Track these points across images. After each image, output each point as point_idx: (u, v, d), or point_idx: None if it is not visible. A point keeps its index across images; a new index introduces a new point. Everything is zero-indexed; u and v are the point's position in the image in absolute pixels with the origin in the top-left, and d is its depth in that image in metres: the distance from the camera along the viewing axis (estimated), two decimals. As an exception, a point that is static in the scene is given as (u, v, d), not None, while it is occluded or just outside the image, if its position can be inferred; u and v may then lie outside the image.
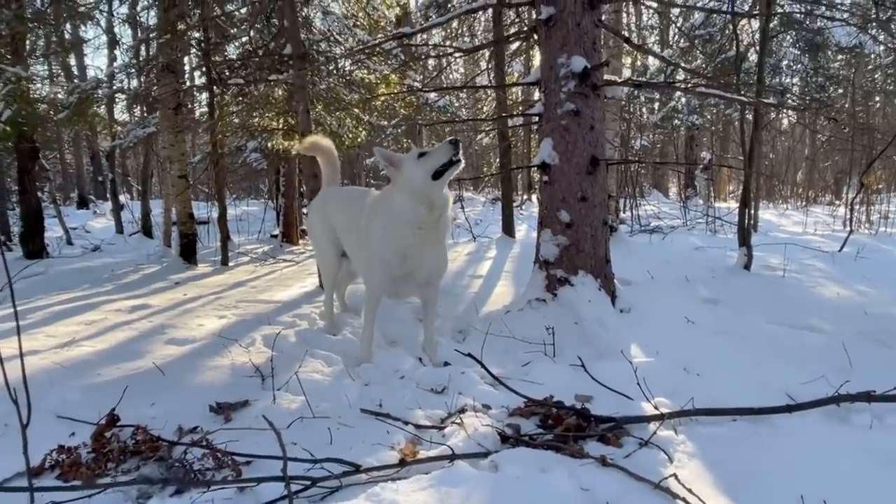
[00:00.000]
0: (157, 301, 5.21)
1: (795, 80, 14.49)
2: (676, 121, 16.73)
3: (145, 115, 10.61)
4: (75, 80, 11.57)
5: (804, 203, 16.87)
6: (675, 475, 1.97)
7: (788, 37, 11.28)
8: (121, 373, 3.24)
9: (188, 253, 7.61)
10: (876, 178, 12.90)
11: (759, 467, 2.12)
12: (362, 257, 3.66)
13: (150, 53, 9.03)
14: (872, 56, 15.25)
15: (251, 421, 2.60)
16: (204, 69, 7.53)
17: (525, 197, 16.90)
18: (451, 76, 21.73)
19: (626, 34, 11.21)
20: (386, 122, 12.24)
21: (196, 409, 2.74)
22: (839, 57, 14.60)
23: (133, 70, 9.07)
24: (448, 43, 9.23)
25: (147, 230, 11.00)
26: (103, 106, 10.24)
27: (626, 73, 10.65)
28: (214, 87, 7.50)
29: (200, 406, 2.77)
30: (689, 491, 1.88)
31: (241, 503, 1.90)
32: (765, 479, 2.02)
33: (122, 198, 13.91)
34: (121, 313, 4.71)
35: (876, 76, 18.36)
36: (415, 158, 3.22)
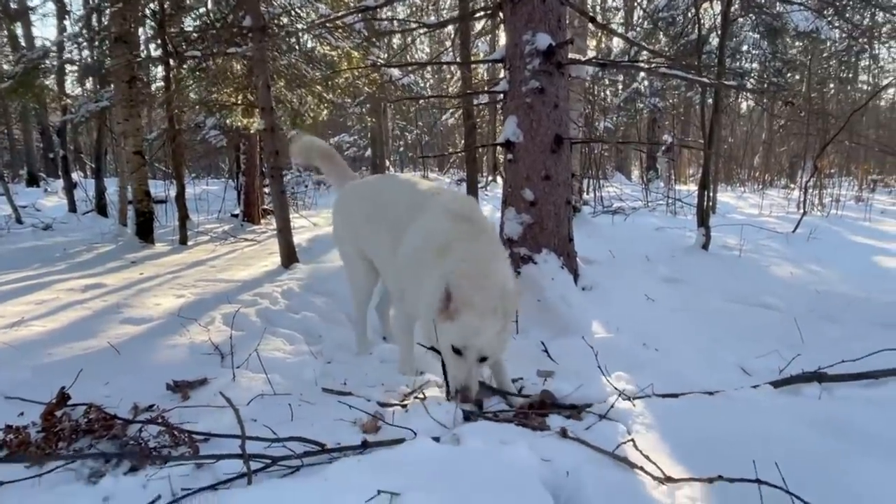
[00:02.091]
0: (112, 280, 5.06)
1: (755, 64, 14.78)
2: (639, 103, 16.92)
3: (98, 88, 10.19)
4: (22, 51, 11.02)
5: (761, 186, 17.31)
6: (632, 440, 2.01)
7: (748, 21, 11.46)
8: (73, 352, 3.14)
9: (145, 232, 7.40)
10: (828, 162, 13.30)
11: (713, 436, 2.18)
12: (409, 289, 2.81)
13: (103, 23, 8.64)
14: (828, 43, 15.65)
15: (210, 399, 2.54)
16: (159, 41, 7.27)
17: (490, 178, 16.91)
18: (415, 55, 21.53)
19: (592, 15, 11.22)
20: (350, 101, 12.06)
21: (152, 388, 2.67)
22: (797, 43, 14.94)
23: (83, 40, 8.68)
24: (413, 19, 9.10)
25: (101, 209, 10.63)
26: (52, 77, 9.78)
27: (591, 55, 10.68)
28: (170, 61, 7.25)
29: (157, 385, 2.70)
30: (647, 458, 1.92)
31: (199, 479, 1.86)
32: (719, 447, 2.07)
33: (75, 175, 13.40)
34: (73, 292, 4.56)
35: (831, 63, 18.87)
36: (447, 344, 2.39)
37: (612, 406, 2.36)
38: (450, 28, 10.65)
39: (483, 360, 2.38)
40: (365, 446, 2.05)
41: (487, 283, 2.37)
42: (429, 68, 21.88)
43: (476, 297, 2.31)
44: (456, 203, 2.78)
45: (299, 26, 7.92)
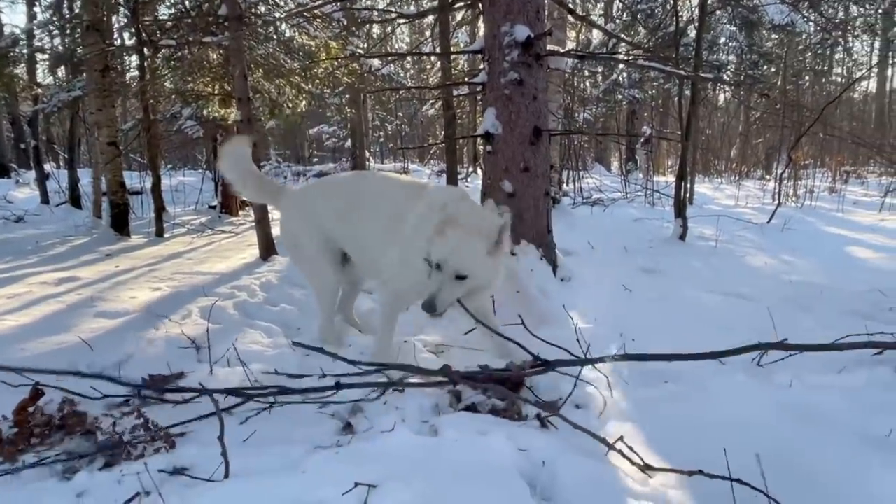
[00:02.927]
0: (87, 273, 4.98)
1: (731, 57, 14.94)
2: (619, 95, 17.00)
3: (70, 77, 9.97)
4: (-9, 39, 10.73)
5: (737, 177, 17.52)
6: (622, 438, 2.03)
7: (725, 13, 11.57)
8: (46, 347, 3.10)
9: (120, 224, 7.29)
10: (803, 153, 13.52)
11: (688, 425, 2.22)
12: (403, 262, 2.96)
13: (74, 11, 8.45)
14: (804, 36, 15.87)
15: (188, 393, 2.52)
16: (133, 29, 7.13)
17: (470, 169, 16.88)
18: (395, 45, 21.40)
19: (571, 6, 11.22)
20: (328, 91, 11.95)
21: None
22: (773, 36, 15.11)
23: (55, 28, 8.48)
24: (392, 9, 9.03)
25: (75, 200, 10.42)
26: (22, 66, 9.56)
27: (571, 46, 10.70)
28: (145, 49, 7.12)
29: (132, 379, 2.66)
30: (620, 452, 1.94)
31: (174, 477, 1.85)
32: (693, 435, 2.11)
33: (47, 166, 13.10)
34: (47, 286, 4.48)
35: (806, 56, 19.14)
36: (435, 262, 2.61)
37: (574, 380, 2.39)
38: (430, 18, 10.59)
39: (462, 278, 2.57)
40: (338, 387, 2.06)
41: (471, 212, 2.74)
42: (409, 58, 21.77)
43: (460, 218, 2.61)
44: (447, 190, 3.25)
45: (277, 15, 7.82)
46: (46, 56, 9.76)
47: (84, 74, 8.04)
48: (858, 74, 21.77)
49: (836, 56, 22.80)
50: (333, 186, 3.42)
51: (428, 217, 2.78)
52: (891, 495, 1.84)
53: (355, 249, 3.26)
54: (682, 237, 6.45)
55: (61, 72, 11.15)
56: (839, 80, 23.61)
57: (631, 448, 1.95)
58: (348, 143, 17.89)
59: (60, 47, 9.24)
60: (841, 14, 13.21)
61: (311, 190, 3.51)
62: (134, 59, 8.10)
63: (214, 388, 2.21)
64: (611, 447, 1.92)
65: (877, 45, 23.15)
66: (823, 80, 23.04)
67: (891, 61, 22.74)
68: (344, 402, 2.39)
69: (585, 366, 2.54)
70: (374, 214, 3.10)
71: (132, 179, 10.52)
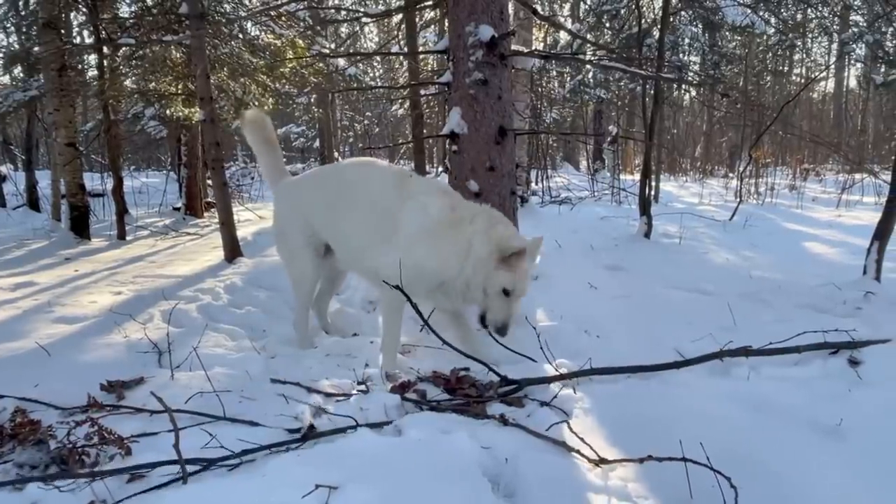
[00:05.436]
0: (45, 278, 4.85)
1: (695, 58, 15.22)
2: (585, 95, 17.18)
3: (27, 76, 9.69)
4: (-58, 36, 10.37)
5: (701, 175, 17.87)
6: (567, 423, 2.07)
7: (688, 15, 11.79)
8: (1, 353, 3.00)
9: (80, 227, 7.10)
10: (764, 152, 13.84)
11: (648, 418, 2.26)
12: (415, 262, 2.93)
13: (30, 7, 8.21)
14: (764, 38, 16.25)
15: (147, 399, 2.47)
16: (92, 27, 6.96)
17: (440, 169, 16.88)
18: (364, 45, 21.29)
19: (535, 7, 11.30)
20: (295, 90, 11.83)
21: (85, 389, 2.57)
22: (736, 38, 15.44)
23: (10, 25, 8.24)
24: (360, 8, 8.98)
25: (33, 203, 10.14)
26: (-25, 65, 9.26)
27: (538, 46, 10.78)
28: (104, 48, 6.96)
29: (91, 386, 2.60)
30: (582, 440, 1.97)
31: (131, 483, 1.81)
32: (652, 428, 2.15)
33: (4, 168, 12.73)
34: (2, 291, 4.35)
35: (767, 56, 19.60)
36: (499, 288, 2.76)
37: (555, 395, 2.41)
38: (397, 18, 10.56)
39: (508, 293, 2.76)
40: (304, 439, 2.03)
41: (520, 236, 2.91)
42: (377, 58, 21.64)
43: (527, 247, 2.77)
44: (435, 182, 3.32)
45: (241, 14, 7.71)
46: (1, 54, 9.45)
47: (41, 73, 7.82)
48: (816, 75, 22.35)
49: (796, 57, 23.40)
50: (323, 177, 3.51)
51: (470, 236, 2.83)
52: (839, 482, 1.90)
53: (343, 243, 3.27)
54: (647, 235, 6.56)
55: (17, 70, 10.82)
56: (799, 80, 24.22)
57: (582, 440, 1.98)
58: (317, 143, 17.71)
59: (16, 45, 8.97)
60: (799, 16, 13.57)
61: (308, 179, 3.58)
62: (93, 58, 7.89)
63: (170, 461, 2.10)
64: (569, 449, 1.95)
65: (834, 46, 23.83)
66: (784, 81, 23.63)
67: (846, 62, 23.41)
68: (309, 404, 2.37)
69: (553, 382, 2.55)
70: (359, 206, 3.13)
71: (93, 181, 10.28)
